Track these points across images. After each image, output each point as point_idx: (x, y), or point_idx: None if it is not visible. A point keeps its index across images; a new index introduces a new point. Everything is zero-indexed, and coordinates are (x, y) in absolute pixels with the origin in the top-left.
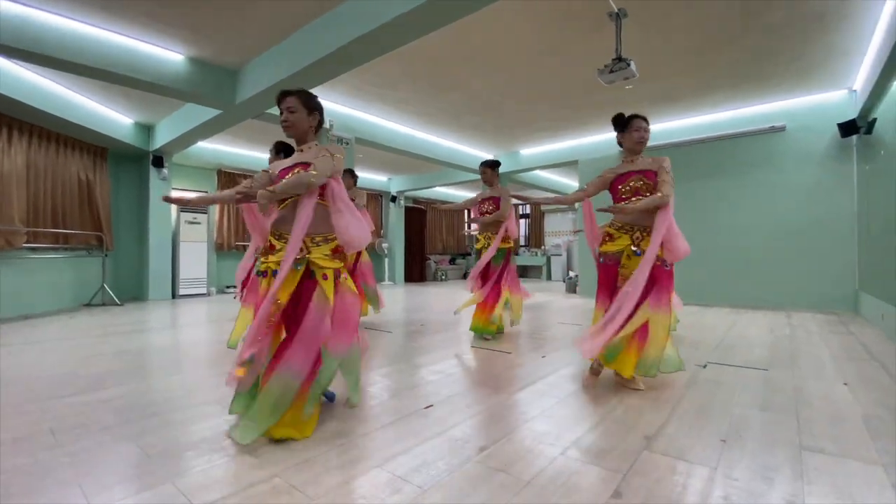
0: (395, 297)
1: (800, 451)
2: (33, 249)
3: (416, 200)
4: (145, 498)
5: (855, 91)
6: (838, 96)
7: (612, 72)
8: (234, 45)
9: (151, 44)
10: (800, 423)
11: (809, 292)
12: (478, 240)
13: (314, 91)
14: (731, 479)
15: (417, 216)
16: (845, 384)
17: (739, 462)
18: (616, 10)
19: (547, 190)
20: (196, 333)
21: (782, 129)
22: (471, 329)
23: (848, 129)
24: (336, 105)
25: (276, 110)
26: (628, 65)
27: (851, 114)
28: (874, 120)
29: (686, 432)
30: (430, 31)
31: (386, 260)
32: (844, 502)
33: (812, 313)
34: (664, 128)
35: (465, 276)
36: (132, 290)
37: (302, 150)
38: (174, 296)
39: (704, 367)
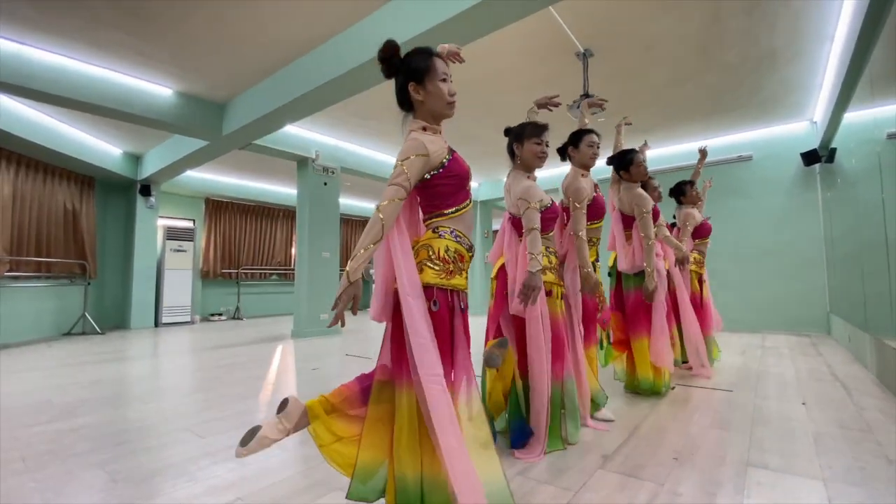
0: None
1: (745, 467)
2: (15, 278)
3: None
4: None
5: (815, 122)
6: (800, 127)
7: (579, 107)
8: (221, 81)
9: (141, 79)
10: (751, 441)
11: (784, 315)
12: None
13: (295, 124)
14: (676, 495)
15: None
16: (803, 404)
17: (688, 478)
18: (582, 51)
19: None
20: (175, 362)
21: (749, 158)
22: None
23: (810, 158)
24: (320, 136)
25: (263, 141)
26: None
27: (813, 144)
28: (834, 149)
29: (642, 451)
30: None
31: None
32: None
33: (787, 335)
34: None
35: None
36: (115, 319)
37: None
38: (157, 324)
39: (672, 388)
